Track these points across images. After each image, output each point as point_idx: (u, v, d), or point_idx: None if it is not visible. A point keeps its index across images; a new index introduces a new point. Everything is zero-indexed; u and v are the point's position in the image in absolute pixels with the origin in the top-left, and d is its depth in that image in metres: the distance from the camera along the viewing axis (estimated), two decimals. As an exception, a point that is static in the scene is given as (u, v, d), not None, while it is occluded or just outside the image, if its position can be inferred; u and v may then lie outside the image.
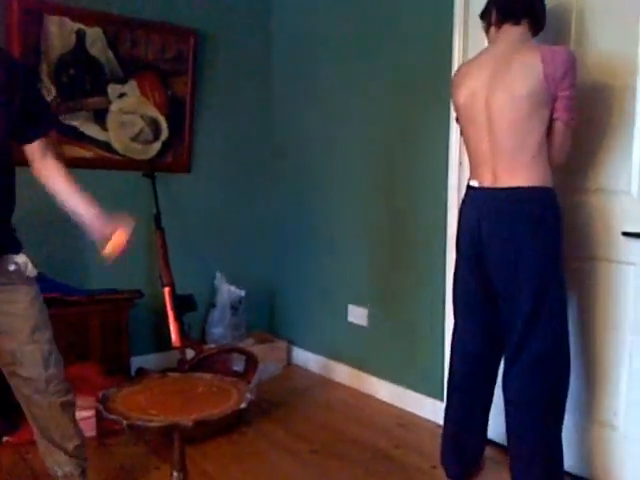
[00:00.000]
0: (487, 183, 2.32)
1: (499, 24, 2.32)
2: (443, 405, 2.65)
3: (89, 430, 2.92)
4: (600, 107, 2.48)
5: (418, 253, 3.31)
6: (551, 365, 2.27)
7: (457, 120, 2.54)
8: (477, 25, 2.60)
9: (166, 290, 3.54)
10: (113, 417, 1.73)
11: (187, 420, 1.72)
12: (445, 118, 3.01)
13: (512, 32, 2.29)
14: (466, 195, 2.45)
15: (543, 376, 2.27)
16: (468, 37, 2.91)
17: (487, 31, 2.41)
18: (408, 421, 3.25)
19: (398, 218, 3.43)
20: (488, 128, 2.28)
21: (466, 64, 2.48)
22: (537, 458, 2.27)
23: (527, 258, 2.24)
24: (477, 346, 2.48)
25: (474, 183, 2.39)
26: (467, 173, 2.57)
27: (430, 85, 3.15)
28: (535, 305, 2.24)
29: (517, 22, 2.28)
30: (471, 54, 2.73)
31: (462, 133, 2.49)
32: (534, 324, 2.25)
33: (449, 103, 2.72)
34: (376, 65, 3.48)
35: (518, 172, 2.24)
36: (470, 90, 2.33)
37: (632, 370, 2.44)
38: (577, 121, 2.28)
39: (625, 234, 2.40)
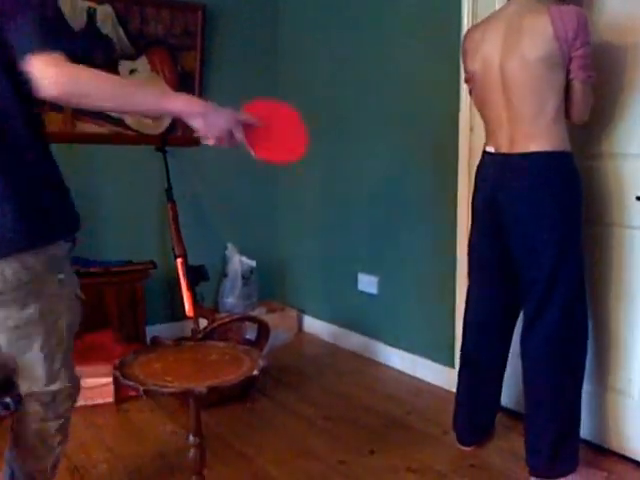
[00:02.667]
0: (504, 149, 2.26)
1: None
2: (454, 372, 2.62)
3: (107, 396, 2.95)
4: (612, 68, 2.39)
5: (429, 221, 3.26)
6: (569, 331, 2.23)
7: (467, 83, 2.46)
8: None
9: (179, 261, 3.53)
10: (130, 383, 1.72)
11: (201, 386, 1.72)
12: (455, 83, 2.93)
13: None
14: (482, 161, 2.39)
15: (561, 342, 2.23)
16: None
17: None
18: (419, 388, 3.23)
19: (408, 186, 3.37)
20: (504, 95, 2.21)
21: (476, 28, 2.39)
22: (554, 423, 2.24)
23: (546, 224, 2.19)
24: (491, 313, 2.44)
25: (490, 149, 2.33)
26: (478, 139, 2.52)
27: (439, 50, 3.07)
28: (554, 271, 2.19)
29: None
30: (481, 15, 2.65)
31: (475, 99, 2.42)
32: (553, 290, 2.21)
33: (459, 67, 2.67)
34: (387, 31, 3.41)
35: (536, 137, 2.18)
36: (483, 57, 2.26)
37: (648, 337, 2.39)
38: (595, 78, 2.19)
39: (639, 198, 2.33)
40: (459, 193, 2.99)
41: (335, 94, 3.82)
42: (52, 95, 1.46)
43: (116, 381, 2.93)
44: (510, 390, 2.69)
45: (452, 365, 3.08)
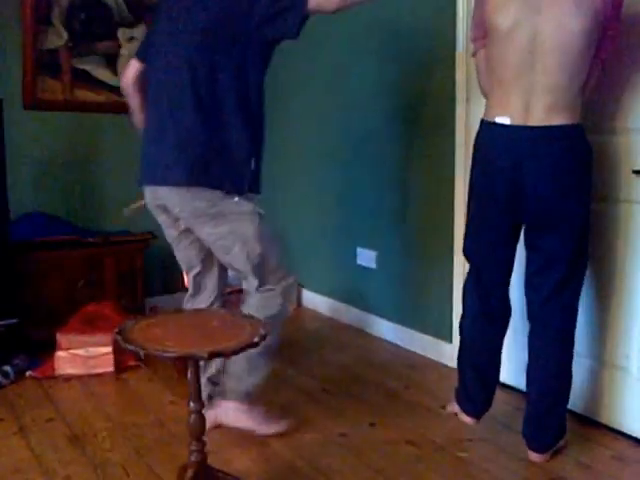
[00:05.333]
0: (518, 120, 2.15)
1: None
2: (452, 347, 2.66)
3: (107, 366, 3.01)
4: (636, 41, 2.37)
5: (427, 196, 3.31)
6: (575, 302, 2.30)
7: (476, 42, 2.30)
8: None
9: (179, 233, 3.57)
10: (131, 347, 1.72)
11: (202, 351, 1.73)
12: (451, 52, 2.95)
13: None
14: (490, 133, 2.25)
15: (574, 315, 2.30)
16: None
17: None
18: (417, 362, 3.29)
19: (407, 160, 3.40)
20: (532, 63, 2.10)
21: None
22: (563, 401, 2.32)
23: (574, 198, 2.18)
24: (498, 288, 2.41)
25: (503, 120, 2.18)
26: (476, 108, 2.47)
27: (436, 20, 3.07)
28: (579, 245, 2.22)
29: None
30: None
31: (490, 58, 2.24)
32: (576, 265, 2.24)
33: (455, 38, 2.65)
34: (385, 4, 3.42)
35: (559, 110, 2.12)
36: (515, 13, 2.10)
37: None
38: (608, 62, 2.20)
39: (636, 172, 2.35)
40: (456, 168, 3.03)
41: (332, 61, 3.83)
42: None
43: (116, 351, 2.99)
44: (507, 365, 2.74)
45: (450, 340, 3.13)
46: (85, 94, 3.64)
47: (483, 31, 2.24)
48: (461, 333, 2.56)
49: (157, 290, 3.83)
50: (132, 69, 2.53)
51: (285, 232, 4.40)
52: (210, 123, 2.24)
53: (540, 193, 2.16)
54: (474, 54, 2.35)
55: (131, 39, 3.76)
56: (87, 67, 3.64)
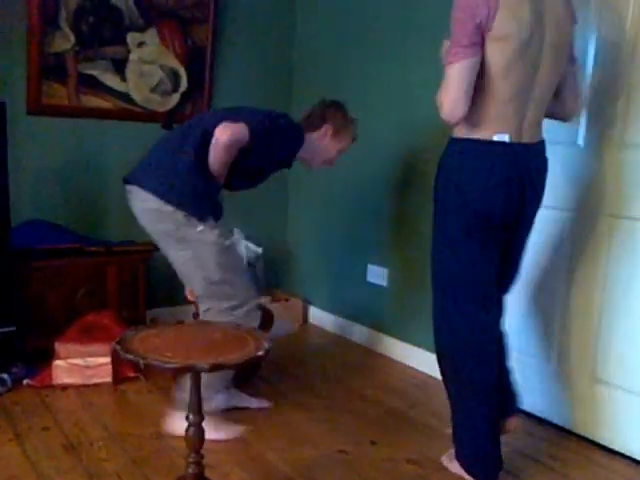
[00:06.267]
0: (515, 137, 2.09)
1: None
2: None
3: (104, 376, 3.07)
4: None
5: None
6: None
7: (473, 52, 2.00)
8: None
9: (183, 243, 3.63)
10: (130, 357, 1.76)
11: (204, 363, 1.77)
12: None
13: None
14: (488, 152, 2.11)
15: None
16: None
17: None
18: (425, 382, 3.34)
19: (419, 176, 3.45)
20: (534, 75, 2.06)
21: None
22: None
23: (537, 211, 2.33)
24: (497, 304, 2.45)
25: (502, 138, 2.08)
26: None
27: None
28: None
29: None
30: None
31: (497, 66, 2.02)
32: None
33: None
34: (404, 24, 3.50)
35: (539, 125, 2.18)
36: (530, 24, 1.98)
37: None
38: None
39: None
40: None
41: (349, 75, 3.91)
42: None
43: (114, 361, 3.06)
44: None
45: (459, 360, 3.17)
46: (91, 100, 3.69)
47: (481, 37, 2.00)
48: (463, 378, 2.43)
49: (159, 302, 3.88)
50: None
51: (293, 246, 4.47)
52: (181, 163, 2.56)
53: (532, 210, 2.27)
54: (456, 60, 2.01)
55: (141, 44, 3.81)
56: (94, 72, 3.69)
